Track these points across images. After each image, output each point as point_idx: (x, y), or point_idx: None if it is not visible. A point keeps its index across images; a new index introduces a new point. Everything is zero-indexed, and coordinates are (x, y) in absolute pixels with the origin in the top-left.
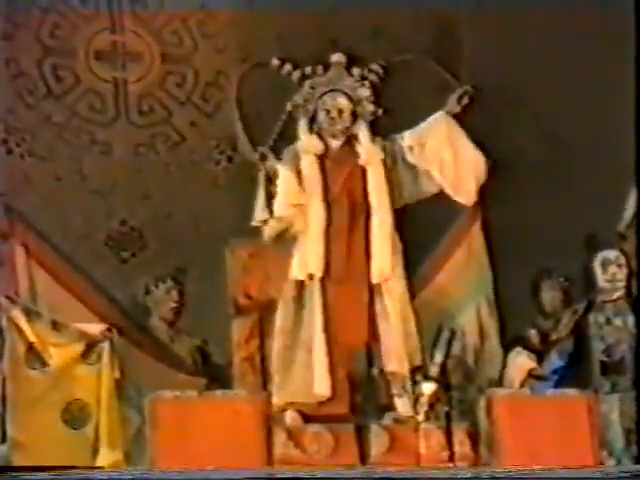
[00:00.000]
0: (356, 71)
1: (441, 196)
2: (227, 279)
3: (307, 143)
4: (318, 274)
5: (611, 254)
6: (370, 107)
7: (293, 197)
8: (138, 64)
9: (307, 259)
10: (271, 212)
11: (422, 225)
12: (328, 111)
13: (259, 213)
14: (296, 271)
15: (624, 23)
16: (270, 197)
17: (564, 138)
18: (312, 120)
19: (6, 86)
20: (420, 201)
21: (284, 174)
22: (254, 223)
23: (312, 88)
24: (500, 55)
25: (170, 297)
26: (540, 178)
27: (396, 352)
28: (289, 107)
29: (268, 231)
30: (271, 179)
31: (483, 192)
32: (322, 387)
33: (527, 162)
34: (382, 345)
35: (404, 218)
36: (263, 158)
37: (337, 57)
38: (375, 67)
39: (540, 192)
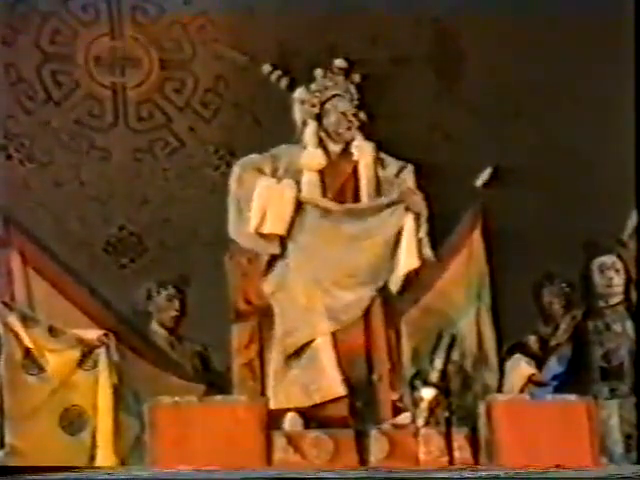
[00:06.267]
0: (355, 76)
1: (442, 199)
2: (226, 285)
3: (312, 158)
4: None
5: (608, 259)
6: (361, 114)
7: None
8: (137, 70)
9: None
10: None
11: None
12: (344, 114)
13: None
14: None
15: (624, 27)
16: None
17: (564, 144)
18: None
19: (5, 92)
20: None
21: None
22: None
23: (319, 92)
24: (500, 61)
25: (172, 305)
26: (540, 184)
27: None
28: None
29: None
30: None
31: (484, 197)
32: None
33: (527, 168)
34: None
35: None
36: None
37: (339, 62)
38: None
39: (540, 198)
